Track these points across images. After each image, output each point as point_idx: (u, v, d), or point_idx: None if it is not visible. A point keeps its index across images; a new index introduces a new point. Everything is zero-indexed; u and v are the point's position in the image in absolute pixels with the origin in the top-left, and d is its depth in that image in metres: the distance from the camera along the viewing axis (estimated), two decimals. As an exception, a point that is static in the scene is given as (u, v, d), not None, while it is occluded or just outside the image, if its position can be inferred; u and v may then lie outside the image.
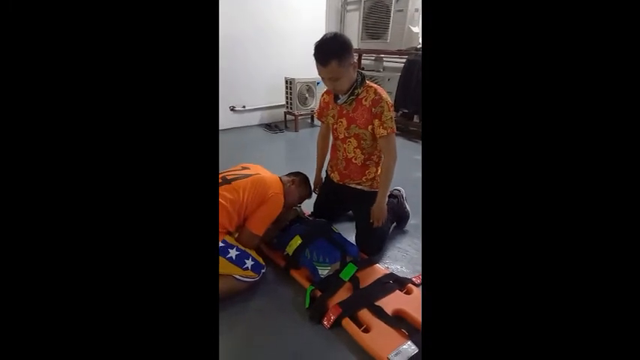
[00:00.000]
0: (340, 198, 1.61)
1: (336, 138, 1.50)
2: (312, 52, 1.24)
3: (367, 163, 1.47)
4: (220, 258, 1.16)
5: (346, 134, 1.43)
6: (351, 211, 1.74)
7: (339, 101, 1.39)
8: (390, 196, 1.74)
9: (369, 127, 1.35)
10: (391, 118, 1.33)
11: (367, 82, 1.37)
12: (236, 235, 1.30)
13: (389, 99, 1.34)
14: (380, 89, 1.35)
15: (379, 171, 1.48)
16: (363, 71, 1.40)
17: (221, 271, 1.17)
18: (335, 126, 1.47)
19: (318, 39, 1.25)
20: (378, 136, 1.35)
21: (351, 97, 1.35)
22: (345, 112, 1.40)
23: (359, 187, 1.51)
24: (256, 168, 1.44)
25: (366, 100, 1.34)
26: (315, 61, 1.25)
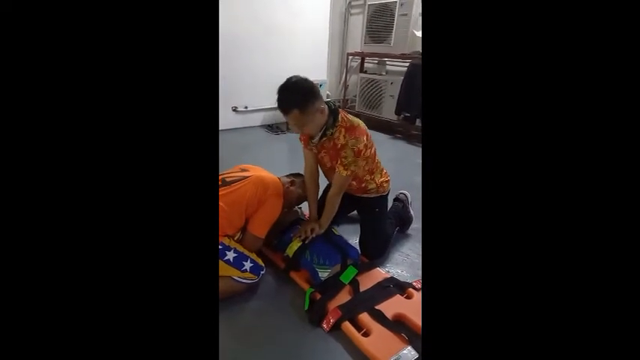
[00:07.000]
0: (344, 201, 1.59)
1: (324, 165, 1.43)
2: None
3: (363, 185, 1.42)
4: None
5: (333, 163, 1.34)
6: (351, 213, 1.72)
7: (313, 141, 1.31)
8: (395, 200, 1.73)
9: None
10: (354, 162, 1.25)
11: (340, 119, 1.27)
12: (236, 238, 1.29)
13: (358, 141, 1.22)
14: (351, 129, 1.25)
15: (383, 177, 1.45)
16: (334, 107, 1.29)
17: (219, 273, 1.16)
18: (320, 156, 1.39)
19: (283, 82, 1.18)
20: (337, 170, 1.28)
21: (323, 139, 1.28)
22: (324, 147, 1.33)
23: (365, 195, 1.47)
24: (255, 169, 1.43)
25: (338, 140, 1.27)
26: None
